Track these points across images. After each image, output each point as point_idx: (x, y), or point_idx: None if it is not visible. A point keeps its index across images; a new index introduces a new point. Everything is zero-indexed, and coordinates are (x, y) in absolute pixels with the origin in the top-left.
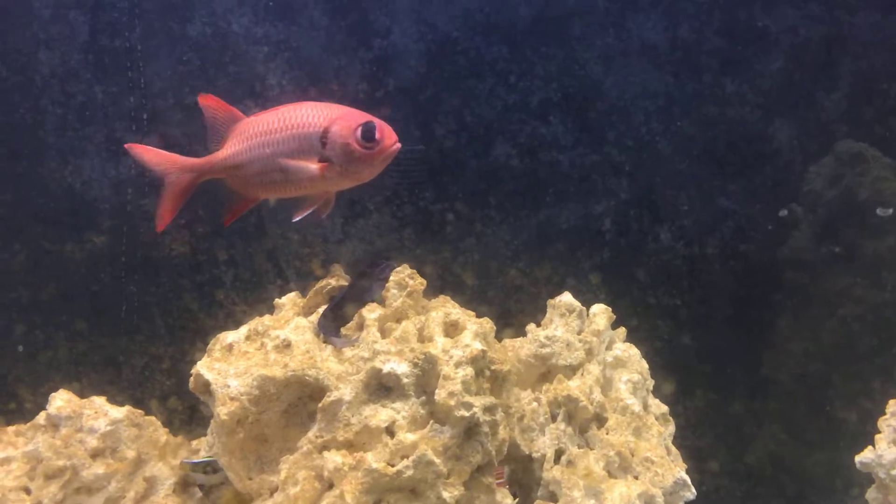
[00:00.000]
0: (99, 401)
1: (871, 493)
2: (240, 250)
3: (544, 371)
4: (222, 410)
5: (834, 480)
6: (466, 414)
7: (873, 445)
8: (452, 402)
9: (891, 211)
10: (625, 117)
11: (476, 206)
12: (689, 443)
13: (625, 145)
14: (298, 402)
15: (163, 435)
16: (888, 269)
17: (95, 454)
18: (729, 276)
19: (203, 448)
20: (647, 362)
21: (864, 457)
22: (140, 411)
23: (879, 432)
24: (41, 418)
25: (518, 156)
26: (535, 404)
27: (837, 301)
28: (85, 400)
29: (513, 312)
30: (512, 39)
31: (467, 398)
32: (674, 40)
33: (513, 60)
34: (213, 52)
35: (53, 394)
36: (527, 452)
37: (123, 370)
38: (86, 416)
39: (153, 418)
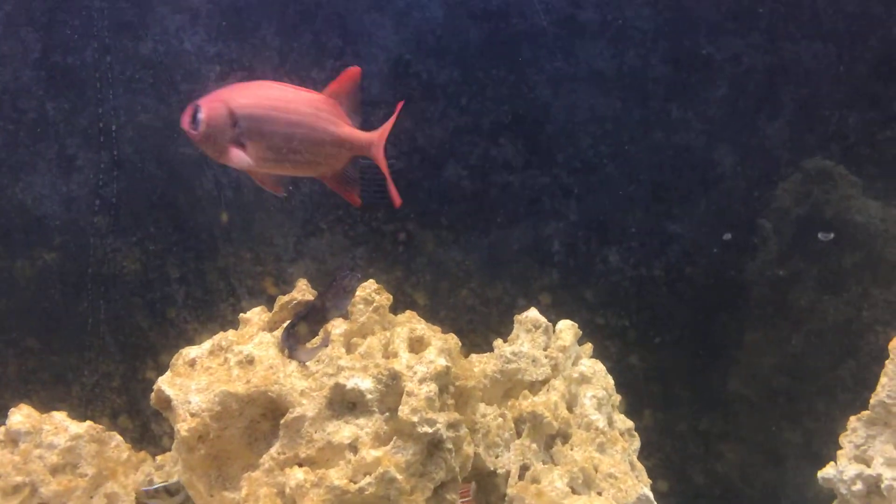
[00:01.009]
0: (59, 416)
1: None
2: (192, 268)
3: (510, 386)
4: (183, 427)
5: (793, 497)
6: (430, 430)
7: (835, 462)
8: (416, 419)
9: (832, 235)
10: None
11: (427, 226)
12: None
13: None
14: (261, 418)
15: (125, 451)
16: (854, 285)
17: (55, 470)
18: (675, 297)
19: (168, 463)
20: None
21: (826, 472)
22: (101, 426)
23: (841, 448)
24: (0, 433)
25: (469, 177)
26: (500, 420)
27: (803, 317)
28: (45, 415)
29: (464, 332)
30: (464, 62)
31: (431, 415)
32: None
33: (464, 83)
34: (165, 69)
35: (13, 409)
36: (491, 468)
37: (73, 387)
38: (45, 431)
39: (115, 434)
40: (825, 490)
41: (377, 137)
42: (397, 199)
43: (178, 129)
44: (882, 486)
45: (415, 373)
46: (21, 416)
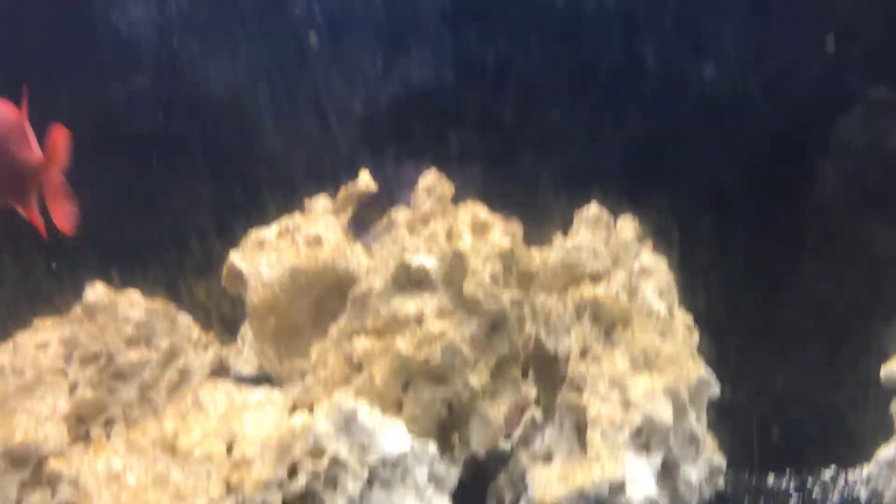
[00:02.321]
0: (134, 293)
1: (894, 405)
2: None
3: (570, 278)
4: (255, 296)
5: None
6: (494, 306)
7: None
8: (480, 294)
9: None
10: None
11: None
12: None
13: None
14: (328, 296)
15: (195, 330)
16: None
17: (130, 342)
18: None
19: (238, 341)
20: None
21: (890, 368)
22: (174, 306)
23: None
24: (77, 309)
25: None
26: (560, 307)
27: (863, 246)
28: (120, 292)
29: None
30: None
31: (494, 291)
32: None
33: None
34: None
35: (88, 285)
36: (552, 352)
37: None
38: (121, 305)
39: (186, 314)
40: (886, 390)
41: (47, 160)
42: (42, 231)
43: None
44: None
45: (479, 252)
46: (97, 290)
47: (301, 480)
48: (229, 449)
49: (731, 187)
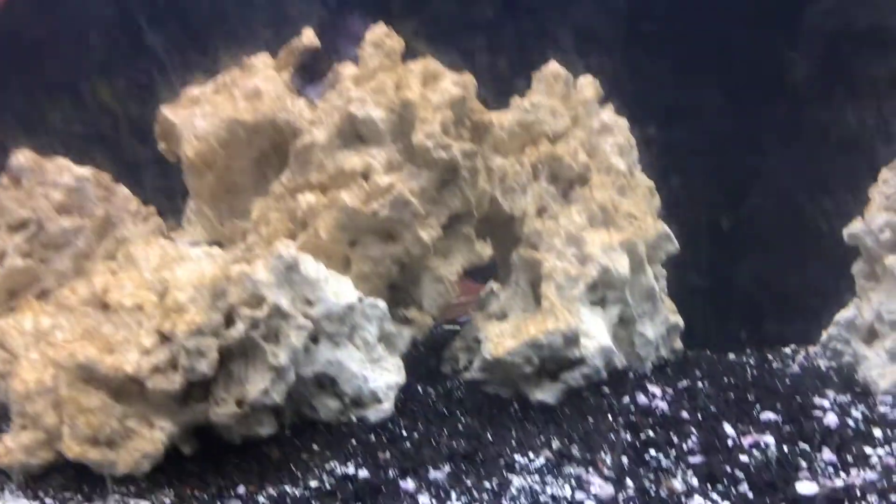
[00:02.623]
0: (62, 159)
1: (856, 267)
2: None
3: (528, 138)
4: (189, 149)
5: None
6: (444, 156)
7: (862, 217)
8: (430, 144)
9: None
10: None
11: None
12: None
13: None
14: (271, 153)
15: (133, 202)
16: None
17: (61, 209)
18: None
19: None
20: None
21: (853, 227)
22: (107, 175)
23: (869, 202)
24: (2, 177)
25: None
26: (517, 166)
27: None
28: (49, 158)
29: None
30: None
31: (445, 141)
32: None
33: None
34: None
35: (14, 152)
36: (508, 212)
37: None
38: (49, 170)
39: (122, 185)
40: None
41: None
42: None
43: None
44: None
45: (428, 101)
46: (23, 156)
47: (239, 328)
48: (162, 298)
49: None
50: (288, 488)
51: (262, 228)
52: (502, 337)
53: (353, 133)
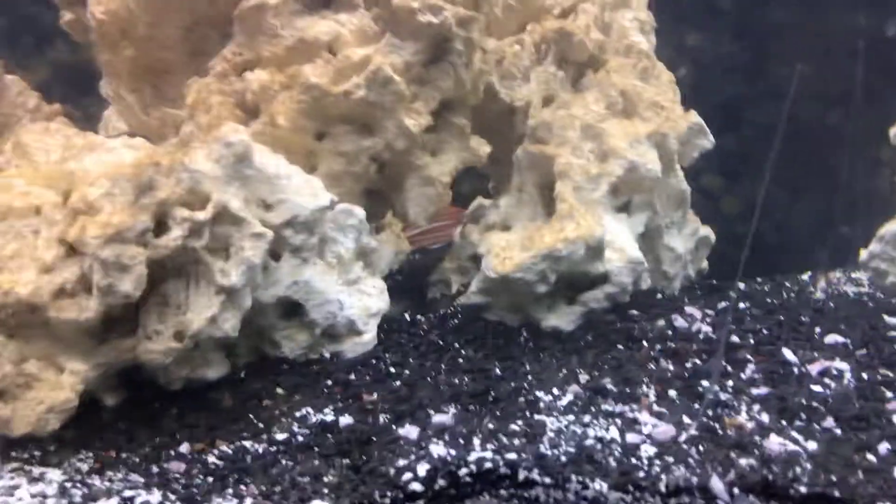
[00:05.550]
0: None
1: None
2: None
3: (528, 15)
4: (97, 9)
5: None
6: (434, 20)
7: None
8: (416, 5)
9: None
10: None
11: None
12: None
13: None
14: (209, 18)
15: (32, 98)
16: None
17: None
18: None
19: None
20: None
21: None
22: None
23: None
24: None
25: None
26: (517, 47)
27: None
28: None
29: None
30: None
31: (435, 1)
32: None
33: None
34: None
35: None
36: (507, 101)
37: None
38: None
39: (18, 79)
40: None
41: None
42: None
43: None
44: None
45: None
46: None
47: (173, 235)
48: (66, 197)
49: None
50: (247, 443)
51: (201, 116)
52: (509, 249)
53: None
